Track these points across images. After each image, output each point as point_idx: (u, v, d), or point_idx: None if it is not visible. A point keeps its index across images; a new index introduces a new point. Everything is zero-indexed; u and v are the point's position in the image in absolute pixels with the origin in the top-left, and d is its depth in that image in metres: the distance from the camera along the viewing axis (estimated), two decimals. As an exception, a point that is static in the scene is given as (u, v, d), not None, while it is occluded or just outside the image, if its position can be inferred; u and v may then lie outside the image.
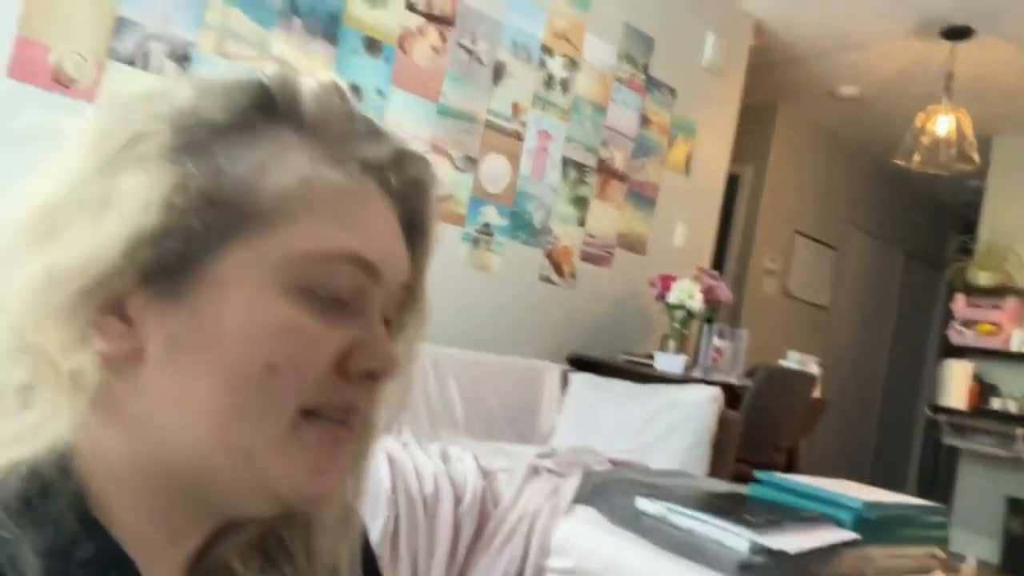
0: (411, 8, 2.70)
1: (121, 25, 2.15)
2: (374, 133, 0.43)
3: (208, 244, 0.38)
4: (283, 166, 0.39)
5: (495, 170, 2.98)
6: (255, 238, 0.38)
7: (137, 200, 0.36)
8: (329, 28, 2.52)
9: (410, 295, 0.47)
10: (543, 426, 2.86)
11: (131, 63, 2.18)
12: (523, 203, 3.07)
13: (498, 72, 2.94)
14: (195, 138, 0.38)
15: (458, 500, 1.89)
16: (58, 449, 0.36)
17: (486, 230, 2.97)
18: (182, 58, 2.26)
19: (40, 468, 0.35)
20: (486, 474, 2.03)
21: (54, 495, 0.35)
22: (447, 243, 2.87)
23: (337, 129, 0.42)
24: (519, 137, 3.03)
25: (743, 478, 2.32)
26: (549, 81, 3.10)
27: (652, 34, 3.42)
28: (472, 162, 2.91)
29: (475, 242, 2.95)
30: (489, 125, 2.94)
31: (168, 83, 0.41)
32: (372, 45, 2.62)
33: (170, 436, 0.38)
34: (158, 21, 2.21)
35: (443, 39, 2.79)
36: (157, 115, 0.39)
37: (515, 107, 3.01)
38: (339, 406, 0.40)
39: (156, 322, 0.38)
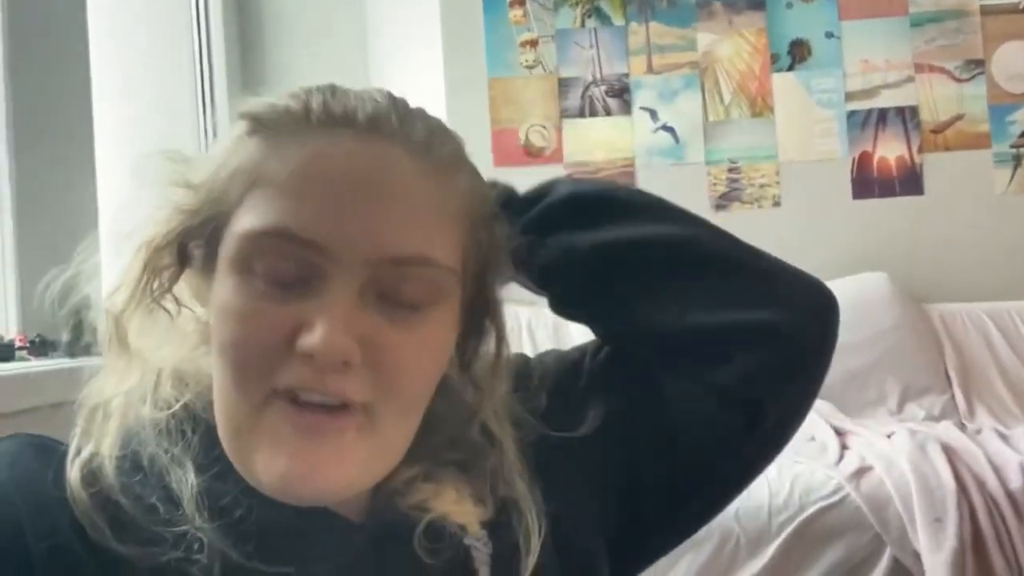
0: (839, -73, 2.30)
1: (564, 86, 2.34)
2: (332, 108, 0.42)
3: (210, 241, 0.43)
4: (230, 161, 0.42)
5: (1016, 63, 2.27)
6: (227, 229, 0.42)
7: (160, 213, 0.44)
8: (753, -5, 2.31)
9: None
10: None
11: (580, 115, 2.34)
12: (1076, 88, 2.25)
13: (983, -59, 2.28)
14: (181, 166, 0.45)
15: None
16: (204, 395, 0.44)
17: (1027, 140, 2.26)
18: (620, 91, 2.34)
19: (196, 411, 0.43)
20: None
21: (203, 425, 0.43)
22: (971, 175, 2.27)
23: (286, 118, 0.42)
24: (1042, 6, 2.26)
25: None
26: (1066, -85, 2.26)
27: None
28: (978, 65, 2.28)
29: (1015, 160, 2.27)
30: (988, 12, 2.27)
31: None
32: (805, -10, 2.31)
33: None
34: (591, 69, 2.34)
35: (892, -62, 2.30)
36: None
37: (1022, -28, 2.27)
38: (304, 388, 0.39)
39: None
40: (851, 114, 2.33)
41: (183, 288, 0.45)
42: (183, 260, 0.44)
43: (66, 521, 0.39)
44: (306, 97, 0.42)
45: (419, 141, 0.42)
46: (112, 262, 0.45)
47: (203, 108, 2.08)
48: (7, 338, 1.33)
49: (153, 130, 1.90)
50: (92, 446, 0.41)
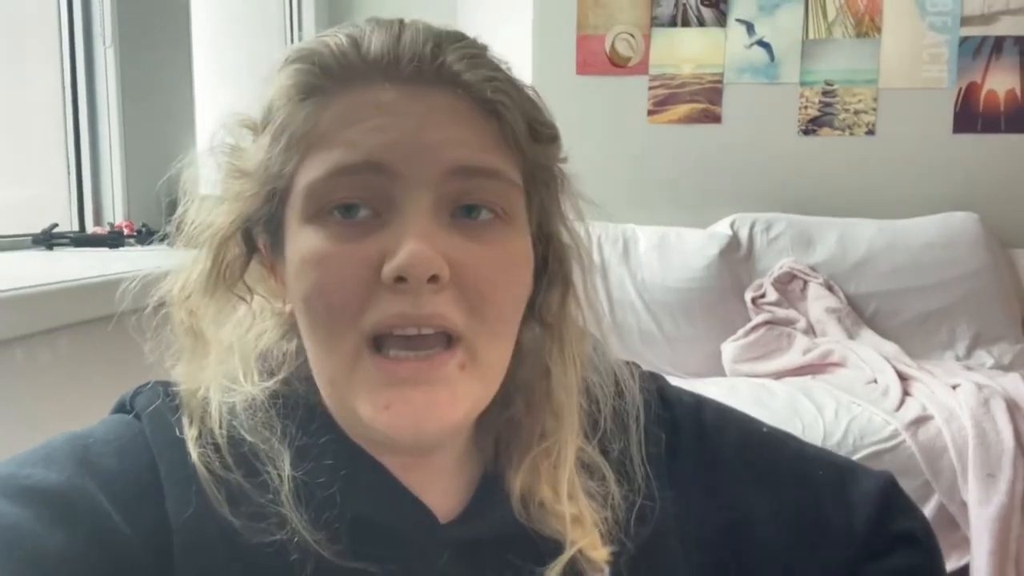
0: None
1: (658, -8, 2.24)
2: (379, 57, 0.40)
3: (275, 215, 0.43)
4: (281, 136, 0.41)
5: None
6: (290, 197, 0.42)
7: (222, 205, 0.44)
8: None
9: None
10: None
11: (671, 24, 2.25)
12: None
13: None
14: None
15: None
16: (307, 376, 0.44)
17: None
18: (717, 1, 2.22)
19: (291, 389, 0.44)
20: None
21: (301, 404, 0.43)
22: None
23: (323, 62, 0.41)
24: None
25: None
26: None
27: None
28: (1118, -6, 2.07)
29: None
30: None
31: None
32: None
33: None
34: (689, -27, 2.22)
35: None
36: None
37: None
38: (393, 322, 0.38)
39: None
40: (964, 40, 2.18)
41: (256, 279, 0.46)
42: (250, 246, 0.44)
43: (193, 489, 0.40)
44: (346, 47, 0.40)
45: (473, 84, 0.40)
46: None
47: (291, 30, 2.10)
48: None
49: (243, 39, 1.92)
50: (198, 425, 0.42)
